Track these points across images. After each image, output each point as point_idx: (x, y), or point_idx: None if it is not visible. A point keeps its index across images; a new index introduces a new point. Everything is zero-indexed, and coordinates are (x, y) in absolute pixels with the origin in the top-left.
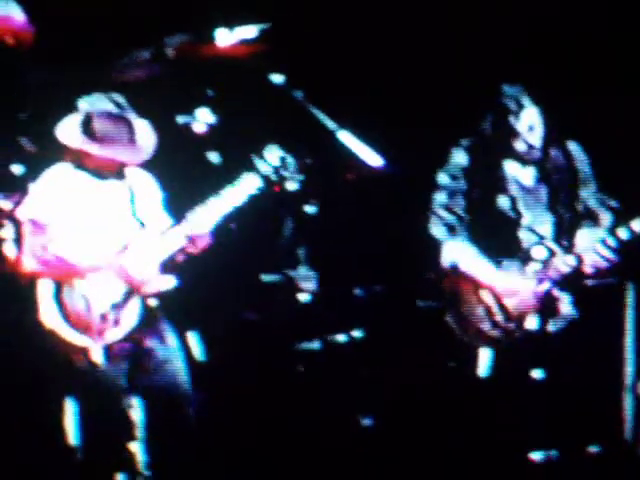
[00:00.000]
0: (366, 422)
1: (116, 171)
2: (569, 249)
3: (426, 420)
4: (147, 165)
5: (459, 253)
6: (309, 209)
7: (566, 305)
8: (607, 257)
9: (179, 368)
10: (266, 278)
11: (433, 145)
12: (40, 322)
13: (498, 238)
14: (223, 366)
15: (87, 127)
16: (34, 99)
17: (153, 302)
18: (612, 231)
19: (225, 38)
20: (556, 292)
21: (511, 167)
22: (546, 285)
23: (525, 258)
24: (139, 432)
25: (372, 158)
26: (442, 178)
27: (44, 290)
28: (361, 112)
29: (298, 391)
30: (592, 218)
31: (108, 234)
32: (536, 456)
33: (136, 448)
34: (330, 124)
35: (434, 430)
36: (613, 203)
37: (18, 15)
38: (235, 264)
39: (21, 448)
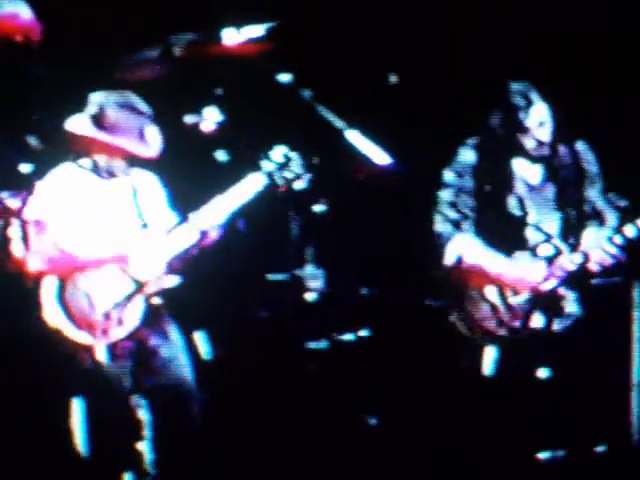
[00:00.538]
0: (372, 421)
1: (125, 163)
2: (575, 247)
3: (432, 419)
4: (155, 163)
5: (465, 247)
6: (317, 208)
7: (572, 303)
8: (614, 255)
9: (184, 367)
10: (273, 277)
11: (441, 143)
12: (44, 321)
13: (504, 236)
14: (230, 365)
15: (98, 117)
16: (42, 97)
17: (157, 301)
18: (619, 229)
19: (233, 37)
20: (562, 290)
21: (519, 164)
22: (552, 283)
23: (531, 256)
24: (146, 431)
25: (380, 157)
26: (449, 176)
27: (48, 289)
28: (369, 111)
29: (305, 390)
30: (599, 217)
31: (113, 233)
32: (542, 456)
33: (143, 447)
34: (338, 123)
35: (440, 429)
36: (620, 202)
37: (26, 13)
38: (242, 263)
39: (26, 448)
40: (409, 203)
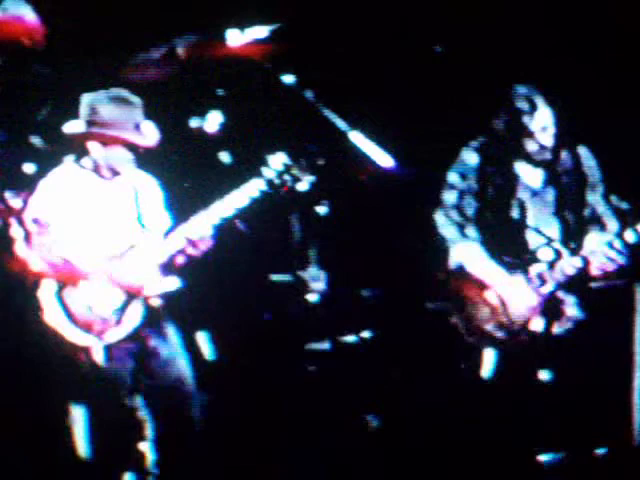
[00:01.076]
0: (374, 422)
1: (126, 156)
2: (576, 251)
3: (432, 420)
4: (155, 164)
5: (466, 255)
6: (320, 210)
7: (572, 307)
8: (614, 259)
9: (184, 368)
10: (276, 278)
11: (444, 146)
12: (45, 321)
13: (505, 239)
14: (231, 366)
15: (92, 117)
16: (46, 98)
17: (156, 302)
18: (620, 234)
19: (236, 38)
20: (561, 294)
21: (521, 168)
22: (551, 287)
23: (531, 260)
24: (147, 432)
25: (383, 159)
26: (452, 178)
27: (48, 289)
28: (372, 112)
29: (307, 391)
30: (600, 222)
31: (111, 235)
32: (543, 458)
33: (145, 447)
34: (341, 124)
35: (440, 431)
36: (622, 206)
37: (30, 15)
38: (245, 264)
39: (27, 448)
40: (412, 205)
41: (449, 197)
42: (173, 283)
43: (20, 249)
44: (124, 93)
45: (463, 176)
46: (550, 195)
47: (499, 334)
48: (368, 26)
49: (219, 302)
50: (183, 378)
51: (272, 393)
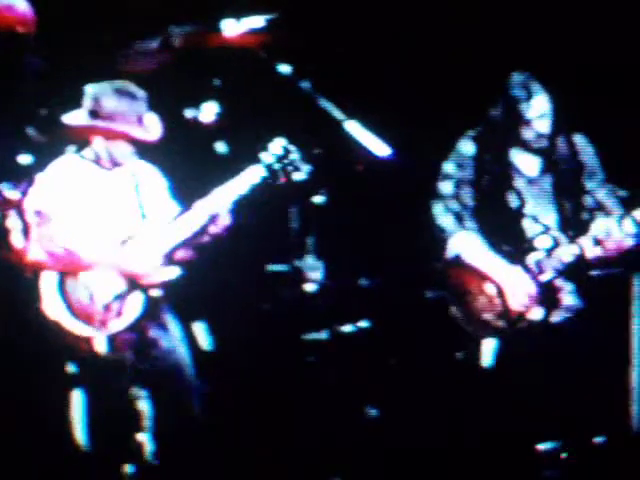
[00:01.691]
0: (372, 412)
1: (127, 149)
2: (573, 239)
3: (431, 410)
4: (154, 154)
5: (464, 244)
6: (317, 199)
7: (569, 295)
8: (613, 249)
9: (184, 358)
10: (273, 268)
11: (441, 135)
12: (44, 312)
13: (503, 227)
14: (230, 356)
15: (95, 108)
16: (41, 89)
17: (156, 292)
18: (619, 222)
19: (232, 28)
20: (559, 282)
21: (518, 156)
22: (549, 275)
23: (529, 248)
24: (146, 422)
25: (380, 148)
26: (449, 167)
27: (48, 280)
28: (369, 102)
29: (304, 381)
30: (603, 208)
31: (113, 225)
32: (541, 447)
33: (143, 438)
34: (337, 114)
35: (439, 420)
36: (620, 193)
37: (21, 4)
38: (242, 254)
39: (26, 439)
40: (409, 194)
41: (446, 187)
42: (173, 273)
43: (17, 240)
44: (129, 85)
45: (460, 165)
46: (547, 183)
47: (498, 323)
48: (364, 16)
49: (216, 292)
50: (183, 368)
51: (270, 383)
